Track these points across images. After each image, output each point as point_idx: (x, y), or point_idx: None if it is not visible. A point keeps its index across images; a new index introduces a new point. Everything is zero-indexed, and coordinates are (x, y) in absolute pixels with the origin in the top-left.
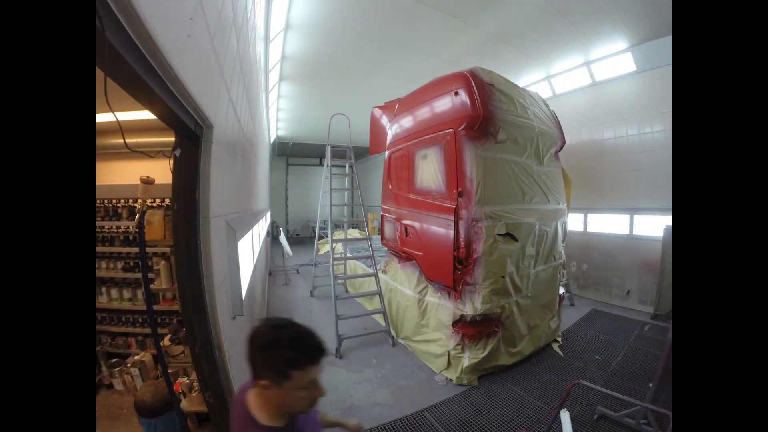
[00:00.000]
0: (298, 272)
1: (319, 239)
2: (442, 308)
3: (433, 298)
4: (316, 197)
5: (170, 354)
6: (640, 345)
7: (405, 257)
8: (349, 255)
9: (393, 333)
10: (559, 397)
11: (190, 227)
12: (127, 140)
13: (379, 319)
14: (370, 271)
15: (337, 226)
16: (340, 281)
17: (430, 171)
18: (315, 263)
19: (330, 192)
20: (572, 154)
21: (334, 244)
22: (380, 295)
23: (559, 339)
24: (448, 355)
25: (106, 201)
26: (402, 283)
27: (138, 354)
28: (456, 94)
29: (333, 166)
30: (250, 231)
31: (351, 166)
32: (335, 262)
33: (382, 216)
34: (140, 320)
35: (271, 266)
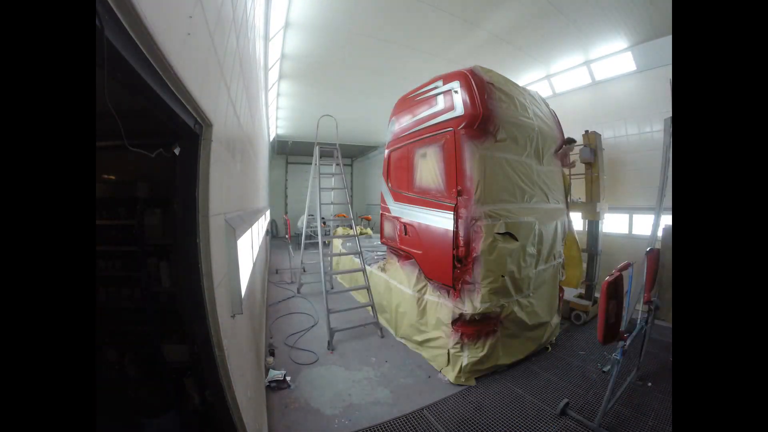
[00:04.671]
0: (304, 270)
1: (307, 238)
2: (441, 307)
3: (432, 296)
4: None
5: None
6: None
7: (404, 256)
8: (343, 251)
9: (387, 327)
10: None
11: (189, 226)
12: (126, 139)
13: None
14: (360, 266)
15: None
16: (333, 276)
17: (429, 170)
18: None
19: (319, 190)
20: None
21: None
22: (368, 289)
23: (554, 339)
24: (448, 354)
25: (105, 199)
26: (401, 281)
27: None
28: (456, 92)
29: (322, 165)
30: (250, 229)
31: (338, 165)
32: (329, 258)
33: (381, 214)
34: (140, 320)
35: (278, 265)
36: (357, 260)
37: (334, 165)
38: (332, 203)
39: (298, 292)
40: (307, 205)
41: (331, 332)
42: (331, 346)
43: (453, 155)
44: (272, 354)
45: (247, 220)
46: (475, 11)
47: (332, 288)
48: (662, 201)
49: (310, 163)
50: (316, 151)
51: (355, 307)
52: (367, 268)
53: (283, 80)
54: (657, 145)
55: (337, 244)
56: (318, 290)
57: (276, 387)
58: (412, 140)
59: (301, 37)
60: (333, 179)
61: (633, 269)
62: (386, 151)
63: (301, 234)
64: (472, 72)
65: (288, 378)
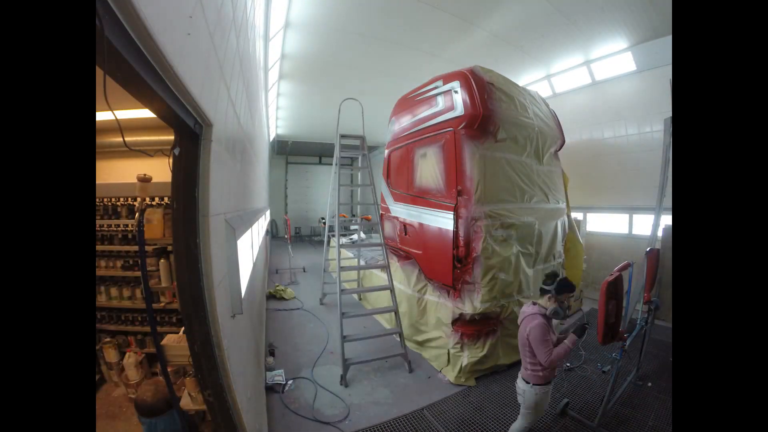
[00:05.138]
0: (304, 270)
1: (329, 240)
2: (441, 307)
3: (432, 296)
4: (316, 195)
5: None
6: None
7: (404, 256)
8: (362, 263)
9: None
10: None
11: (189, 226)
12: (126, 139)
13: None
14: (385, 283)
15: (346, 228)
16: (350, 294)
17: (429, 170)
18: (324, 268)
19: (338, 188)
20: (572, 154)
21: (343, 249)
22: (396, 312)
23: None
24: (448, 354)
25: (105, 199)
26: (401, 281)
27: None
28: (456, 92)
29: (343, 157)
30: (250, 229)
31: (365, 155)
32: (345, 270)
33: (381, 215)
34: (140, 318)
35: (277, 265)
36: (378, 273)
37: (360, 158)
38: (359, 203)
39: (321, 303)
40: (329, 203)
41: (346, 365)
42: (344, 381)
43: (453, 155)
44: (272, 354)
45: (247, 220)
46: (475, 11)
47: (359, 300)
48: (662, 201)
49: (311, 163)
50: (338, 142)
51: (377, 335)
52: (375, 272)
53: (283, 80)
54: (657, 145)
55: (347, 253)
56: (345, 300)
57: (276, 387)
58: (412, 140)
59: (301, 37)
60: (360, 174)
61: (633, 269)
62: (386, 151)
63: (332, 233)
64: (472, 72)
65: (288, 379)
